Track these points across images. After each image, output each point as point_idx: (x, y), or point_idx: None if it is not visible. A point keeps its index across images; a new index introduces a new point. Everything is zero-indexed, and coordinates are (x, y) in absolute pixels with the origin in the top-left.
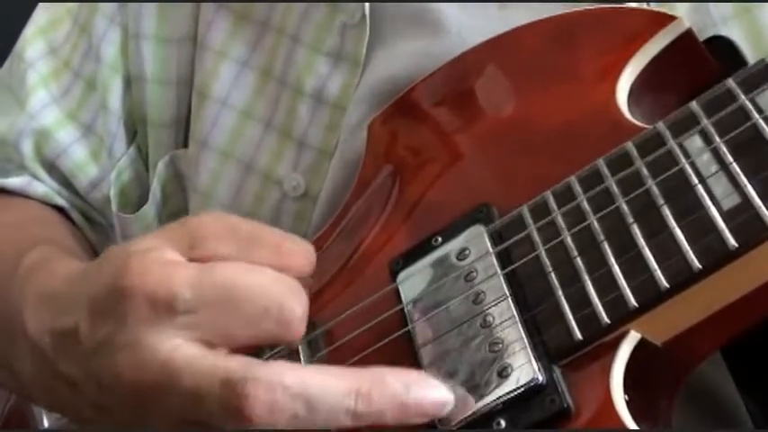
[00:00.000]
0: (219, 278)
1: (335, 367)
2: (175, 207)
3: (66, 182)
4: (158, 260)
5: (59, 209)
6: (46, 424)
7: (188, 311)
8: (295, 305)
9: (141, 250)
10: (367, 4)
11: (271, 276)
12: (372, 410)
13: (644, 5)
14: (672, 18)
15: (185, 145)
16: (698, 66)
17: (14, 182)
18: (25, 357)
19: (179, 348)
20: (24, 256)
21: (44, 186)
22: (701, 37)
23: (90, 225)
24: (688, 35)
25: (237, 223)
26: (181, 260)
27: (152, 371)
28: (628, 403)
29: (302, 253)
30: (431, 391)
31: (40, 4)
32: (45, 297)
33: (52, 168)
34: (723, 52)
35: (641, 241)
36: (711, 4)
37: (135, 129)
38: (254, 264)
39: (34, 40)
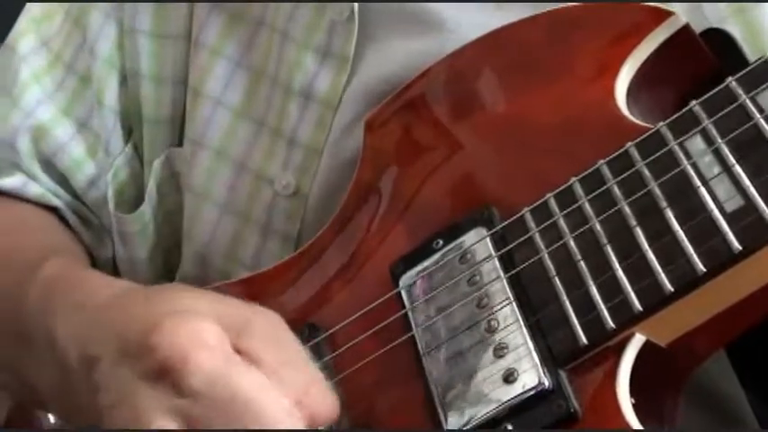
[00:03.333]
0: (236, 382)
1: None
2: (171, 206)
3: (62, 180)
4: (194, 330)
5: (54, 209)
6: (52, 421)
7: (190, 396)
8: None
9: (190, 312)
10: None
11: (285, 407)
12: None
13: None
14: (669, 13)
15: (180, 143)
16: (696, 60)
17: (9, 183)
18: (48, 364)
19: (158, 423)
20: (41, 267)
21: (39, 187)
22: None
23: (85, 227)
24: (685, 30)
25: (287, 341)
26: (215, 340)
27: (125, 427)
28: (634, 406)
29: (328, 398)
30: None
31: None
32: (83, 318)
33: (49, 166)
34: (720, 46)
35: (645, 244)
36: (707, 5)
37: (131, 126)
38: (280, 380)
39: (27, 32)
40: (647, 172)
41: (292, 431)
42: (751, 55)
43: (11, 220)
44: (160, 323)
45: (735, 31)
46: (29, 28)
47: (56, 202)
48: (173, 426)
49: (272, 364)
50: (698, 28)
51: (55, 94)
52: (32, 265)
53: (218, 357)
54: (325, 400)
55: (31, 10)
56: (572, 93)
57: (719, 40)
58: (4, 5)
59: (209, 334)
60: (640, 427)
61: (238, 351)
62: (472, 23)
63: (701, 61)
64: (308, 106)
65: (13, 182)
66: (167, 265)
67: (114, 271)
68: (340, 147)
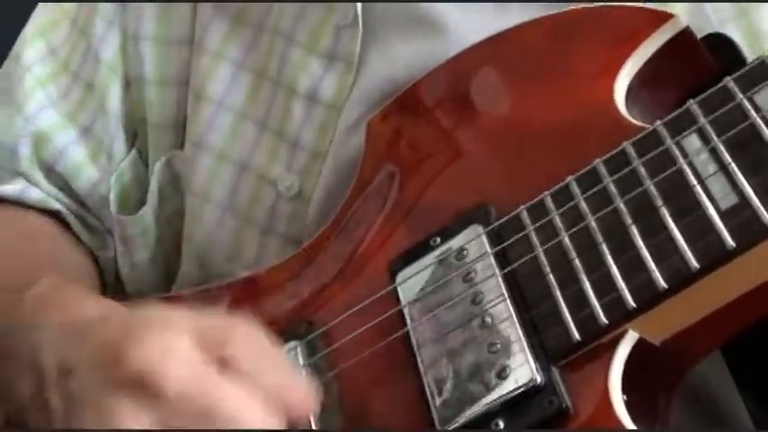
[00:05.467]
0: (211, 392)
1: None
2: (172, 208)
3: (64, 185)
4: (167, 343)
5: (55, 214)
6: None
7: (166, 405)
8: None
9: (161, 324)
10: (359, 4)
11: (259, 416)
12: None
13: (638, 4)
14: (669, 16)
15: (183, 146)
16: (696, 63)
17: (9, 189)
18: (27, 376)
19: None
20: (31, 287)
21: (40, 192)
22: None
23: (86, 229)
24: (686, 33)
25: (264, 344)
26: (187, 352)
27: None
28: (626, 403)
29: (306, 399)
30: None
31: (39, 4)
32: (67, 329)
33: (50, 171)
34: (721, 50)
35: (639, 241)
36: (709, 6)
37: (134, 130)
38: (259, 384)
39: (33, 42)
40: (643, 170)
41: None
42: (751, 58)
43: (8, 232)
44: (136, 334)
45: (735, 34)
46: (35, 37)
47: (56, 206)
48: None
49: (250, 371)
50: (699, 30)
51: (60, 101)
52: (24, 282)
53: (193, 368)
54: (302, 397)
55: (37, 19)
56: (571, 94)
57: (720, 44)
58: (10, 15)
59: (183, 345)
60: (631, 425)
61: (220, 361)
62: (474, 26)
63: (701, 64)
64: (313, 109)
65: (13, 189)
66: (169, 268)
67: (116, 273)
68: (343, 148)
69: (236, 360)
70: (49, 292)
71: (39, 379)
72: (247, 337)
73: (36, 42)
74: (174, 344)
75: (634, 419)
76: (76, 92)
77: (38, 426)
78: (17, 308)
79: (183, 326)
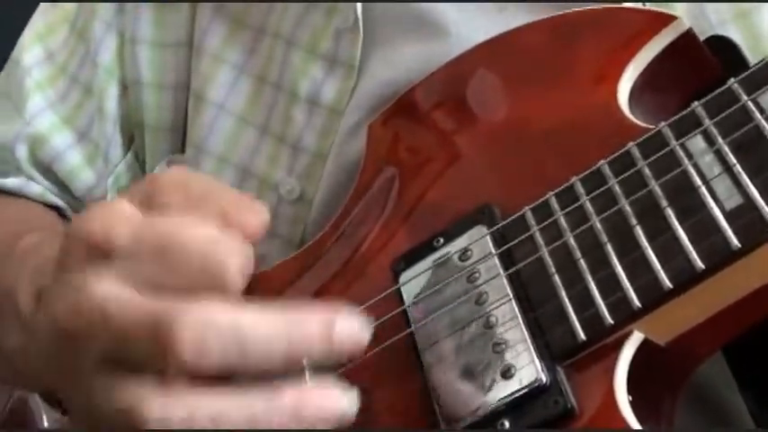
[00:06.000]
0: (158, 230)
1: (272, 309)
2: None
3: (62, 186)
4: (106, 209)
5: (56, 208)
6: (46, 424)
7: (124, 258)
8: (230, 259)
9: (99, 204)
10: (359, 7)
11: (209, 230)
12: (302, 348)
13: (639, 5)
14: (672, 18)
15: (183, 150)
16: (699, 65)
17: (11, 182)
18: (13, 328)
19: (112, 291)
20: (21, 239)
21: (40, 187)
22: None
23: None
24: (688, 35)
25: (192, 179)
26: (127, 209)
27: (86, 313)
28: (631, 403)
29: (252, 214)
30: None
31: (38, 8)
32: (34, 268)
33: (48, 172)
34: (723, 52)
35: (644, 242)
36: (709, 7)
37: (131, 134)
38: (200, 217)
39: (32, 46)
40: (647, 171)
41: None
42: (753, 59)
43: (10, 213)
44: (78, 217)
45: (736, 35)
46: (34, 41)
47: (56, 200)
48: (127, 285)
49: (186, 207)
50: (699, 31)
51: (58, 104)
52: (17, 241)
53: (135, 217)
54: (250, 210)
55: (35, 24)
56: (574, 96)
57: (722, 46)
58: (10, 19)
59: (120, 206)
60: (636, 425)
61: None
62: (476, 28)
63: (703, 65)
64: (315, 113)
65: (13, 182)
66: None
67: None
68: (344, 151)
69: (172, 204)
70: (29, 242)
71: (20, 320)
72: (176, 180)
73: (34, 47)
74: (110, 207)
75: (639, 420)
76: (74, 95)
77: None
78: (7, 263)
79: (117, 198)
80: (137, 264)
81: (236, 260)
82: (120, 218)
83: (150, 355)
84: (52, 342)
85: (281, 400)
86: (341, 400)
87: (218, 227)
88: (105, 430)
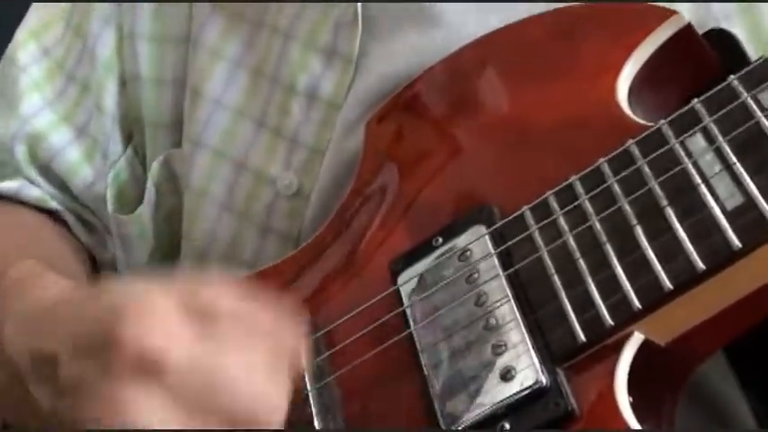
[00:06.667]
0: (213, 362)
1: None
2: (170, 207)
3: (61, 184)
4: (163, 321)
5: (54, 213)
6: None
7: (174, 381)
8: (275, 417)
9: (140, 296)
10: (359, 3)
11: (262, 378)
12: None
13: None
14: (672, 12)
15: (181, 145)
16: (698, 60)
17: (8, 186)
18: (4, 375)
19: (157, 415)
20: (11, 268)
21: (38, 190)
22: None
23: (85, 228)
24: (688, 29)
25: (246, 314)
26: (184, 328)
27: (123, 426)
28: (632, 405)
29: (293, 341)
30: None
31: (33, 5)
32: (31, 315)
33: (47, 171)
34: (723, 46)
35: (644, 242)
36: (715, 6)
37: (130, 130)
38: (251, 322)
39: (26, 43)
40: (647, 170)
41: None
42: (754, 54)
43: (2, 222)
44: (121, 314)
45: (739, 30)
46: (28, 38)
47: (53, 205)
48: (171, 408)
49: (238, 333)
50: (704, 27)
51: (55, 101)
52: (6, 269)
53: (188, 337)
54: (290, 339)
55: (29, 21)
56: (573, 92)
57: (723, 40)
58: (3, 18)
59: (174, 318)
60: (637, 426)
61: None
62: (474, 22)
63: (703, 60)
64: (313, 107)
65: (10, 185)
66: (167, 266)
67: (115, 273)
68: (342, 146)
69: (224, 320)
70: (18, 278)
71: (11, 374)
72: (226, 295)
73: (29, 44)
74: (163, 316)
75: (640, 420)
76: (72, 92)
77: (37, 425)
78: None
79: (164, 296)
80: (185, 389)
81: (279, 414)
82: (172, 331)
83: None
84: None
85: None
86: None
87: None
88: None
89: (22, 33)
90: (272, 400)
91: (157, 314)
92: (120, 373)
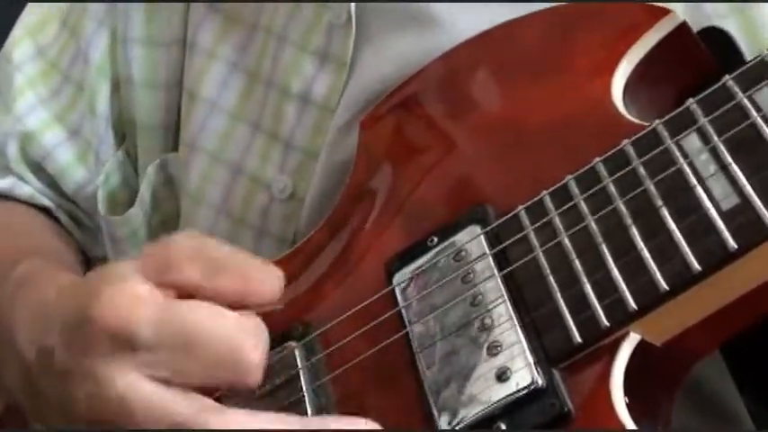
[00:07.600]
0: (180, 321)
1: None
2: (167, 211)
3: (52, 183)
4: (127, 293)
5: (46, 210)
6: None
7: (147, 350)
8: (253, 355)
9: (114, 278)
10: (353, 4)
11: (232, 322)
12: None
13: None
14: (666, 11)
15: (175, 149)
16: (693, 59)
17: (0, 184)
18: (13, 365)
19: (134, 384)
20: (13, 269)
21: (30, 188)
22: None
23: (77, 226)
24: (683, 28)
25: (206, 248)
26: (148, 294)
27: (107, 405)
28: (628, 405)
29: (268, 282)
30: None
31: (29, 4)
32: (36, 312)
33: (39, 170)
34: (718, 44)
35: (640, 243)
36: (708, 6)
37: (123, 132)
38: (217, 291)
39: (22, 42)
40: (642, 170)
41: None
42: (749, 53)
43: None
44: (94, 294)
45: (733, 28)
46: (24, 37)
47: (46, 202)
48: (149, 377)
49: (201, 279)
50: (698, 26)
51: (49, 101)
52: (6, 267)
53: (156, 305)
54: (266, 276)
55: (25, 20)
56: (568, 91)
57: (717, 39)
58: (1, 16)
59: (142, 286)
60: (633, 426)
61: (170, 287)
62: (468, 22)
63: (698, 59)
64: (306, 110)
65: (3, 183)
66: None
67: None
68: (336, 149)
69: (188, 279)
70: (26, 276)
71: (22, 365)
72: (189, 250)
73: (24, 43)
74: (127, 289)
75: (636, 421)
76: (66, 92)
77: (37, 425)
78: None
79: (128, 270)
80: (159, 354)
81: (258, 354)
82: (141, 304)
83: None
84: (64, 416)
85: None
86: None
87: (237, 297)
88: None
89: (18, 31)
90: (247, 340)
91: (125, 289)
92: (96, 351)
